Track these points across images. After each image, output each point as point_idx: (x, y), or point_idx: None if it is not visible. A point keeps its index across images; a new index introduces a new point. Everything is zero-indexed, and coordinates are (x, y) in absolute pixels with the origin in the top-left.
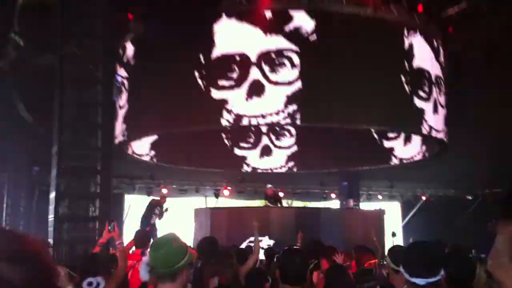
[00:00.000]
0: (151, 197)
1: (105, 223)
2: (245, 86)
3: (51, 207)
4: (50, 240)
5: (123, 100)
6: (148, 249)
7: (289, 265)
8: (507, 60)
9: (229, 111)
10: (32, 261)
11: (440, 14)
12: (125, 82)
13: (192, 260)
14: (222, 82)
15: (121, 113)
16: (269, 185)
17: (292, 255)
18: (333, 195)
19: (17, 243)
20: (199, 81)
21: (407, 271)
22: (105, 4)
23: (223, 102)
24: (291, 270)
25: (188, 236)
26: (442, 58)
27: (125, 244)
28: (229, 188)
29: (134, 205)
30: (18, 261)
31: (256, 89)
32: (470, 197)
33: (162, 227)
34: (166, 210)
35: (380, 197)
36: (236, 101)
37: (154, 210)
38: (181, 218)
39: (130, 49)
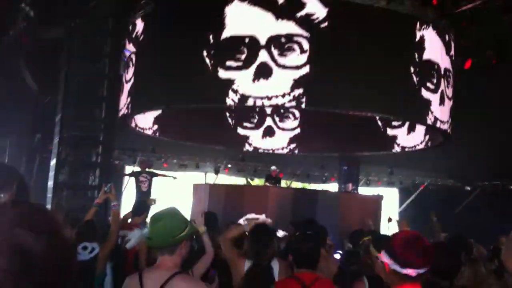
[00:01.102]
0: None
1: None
2: (253, 67)
3: (51, 174)
4: (48, 206)
5: (129, 74)
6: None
7: (303, 250)
8: None
9: (234, 91)
10: (54, 235)
11: (453, 9)
12: (133, 57)
13: (193, 232)
14: (230, 63)
15: (127, 87)
16: (273, 167)
17: (306, 240)
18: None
19: (41, 216)
20: (207, 60)
21: (399, 262)
22: None
23: (230, 82)
24: (306, 255)
25: (186, 210)
26: (452, 52)
27: (123, 215)
28: (229, 165)
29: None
30: (41, 233)
31: (264, 71)
32: (468, 188)
33: (161, 200)
34: (154, 174)
35: (379, 182)
36: (242, 82)
37: (138, 178)
38: (180, 192)
39: (139, 25)
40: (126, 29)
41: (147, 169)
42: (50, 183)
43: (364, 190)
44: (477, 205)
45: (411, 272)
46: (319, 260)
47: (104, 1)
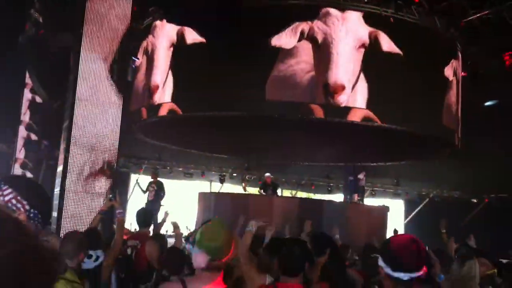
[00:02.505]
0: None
1: (107, 194)
2: None
3: (58, 180)
4: (54, 213)
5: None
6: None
7: (288, 257)
8: None
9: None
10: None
11: (461, 19)
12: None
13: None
14: None
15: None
16: (267, 174)
17: (292, 246)
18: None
19: (8, 224)
20: None
21: (390, 265)
22: None
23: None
24: (290, 261)
25: (191, 218)
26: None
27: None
28: (234, 174)
29: (141, 181)
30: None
31: None
32: (475, 200)
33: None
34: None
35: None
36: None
37: (149, 188)
38: (186, 201)
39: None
40: (134, 36)
41: (158, 179)
42: (57, 190)
43: (369, 201)
44: (484, 218)
45: (402, 275)
46: (303, 268)
47: (112, 7)
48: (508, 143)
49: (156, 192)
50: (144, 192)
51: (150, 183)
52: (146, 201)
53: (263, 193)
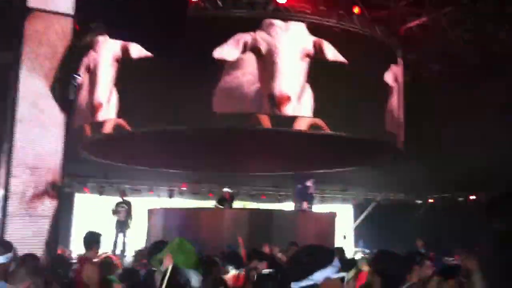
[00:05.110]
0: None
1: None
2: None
3: (0, 205)
4: None
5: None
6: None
7: None
8: (461, 74)
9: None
10: None
11: (401, 27)
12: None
13: None
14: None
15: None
16: (225, 189)
17: (266, 280)
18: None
19: None
20: None
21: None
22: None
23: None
24: None
25: (141, 236)
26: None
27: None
28: (184, 188)
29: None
30: None
31: None
32: (419, 202)
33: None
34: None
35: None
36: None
37: (118, 208)
38: (135, 218)
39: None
40: (76, 53)
41: (124, 198)
42: None
43: (319, 208)
44: (428, 218)
45: (293, 285)
46: None
47: (52, 25)
48: (449, 143)
49: (127, 211)
50: (114, 213)
51: (119, 203)
52: (116, 222)
53: (220, 207)
